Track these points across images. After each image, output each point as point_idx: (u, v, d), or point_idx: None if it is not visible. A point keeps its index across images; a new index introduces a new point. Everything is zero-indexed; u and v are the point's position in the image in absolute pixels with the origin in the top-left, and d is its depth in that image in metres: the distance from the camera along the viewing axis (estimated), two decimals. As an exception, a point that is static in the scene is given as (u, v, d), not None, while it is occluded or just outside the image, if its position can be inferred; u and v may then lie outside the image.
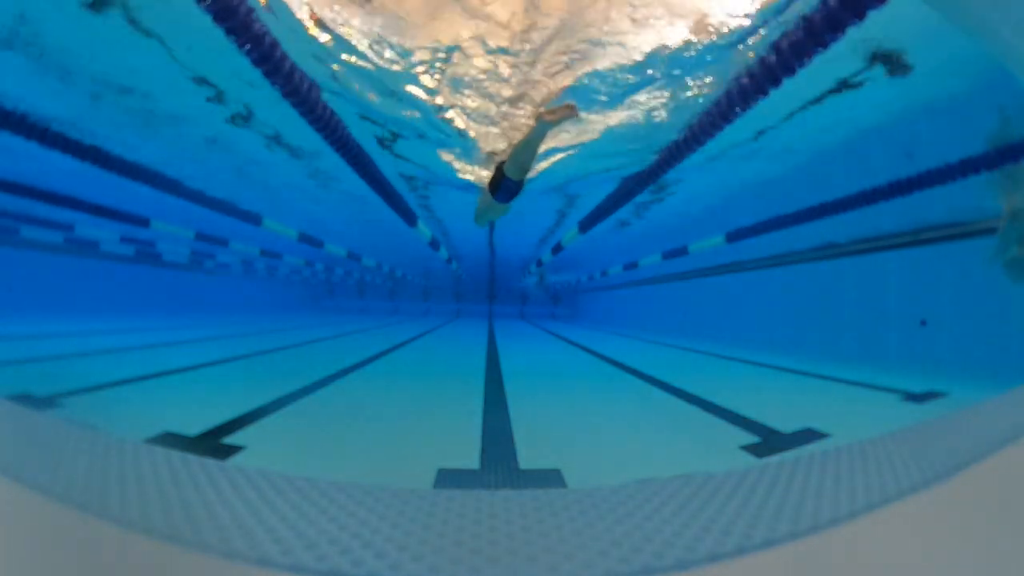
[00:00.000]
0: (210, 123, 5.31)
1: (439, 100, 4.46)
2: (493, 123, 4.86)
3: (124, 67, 4.15)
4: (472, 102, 4.48)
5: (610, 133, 5.04)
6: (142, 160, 6.00)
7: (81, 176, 6.13)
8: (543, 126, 4.13)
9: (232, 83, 4.40)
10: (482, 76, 4.04)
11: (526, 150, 4.48)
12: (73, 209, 7.24)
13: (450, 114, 4.70)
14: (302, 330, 8.73)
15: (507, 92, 4.27)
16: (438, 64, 3.89)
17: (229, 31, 2.66)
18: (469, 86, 4.20)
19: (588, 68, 3.87)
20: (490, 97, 4.37)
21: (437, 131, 5.09)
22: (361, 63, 3.85)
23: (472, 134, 5.12)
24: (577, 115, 4.11)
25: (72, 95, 4.61)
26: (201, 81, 4.37)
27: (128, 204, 7.56)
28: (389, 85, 4.18)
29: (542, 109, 4.40)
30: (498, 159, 5.50)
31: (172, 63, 4.01)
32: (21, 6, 3.38)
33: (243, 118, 5.14)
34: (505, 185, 4.93)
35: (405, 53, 3.73)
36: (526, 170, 4.79)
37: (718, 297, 9.03)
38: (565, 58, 3.75)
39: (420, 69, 3.96)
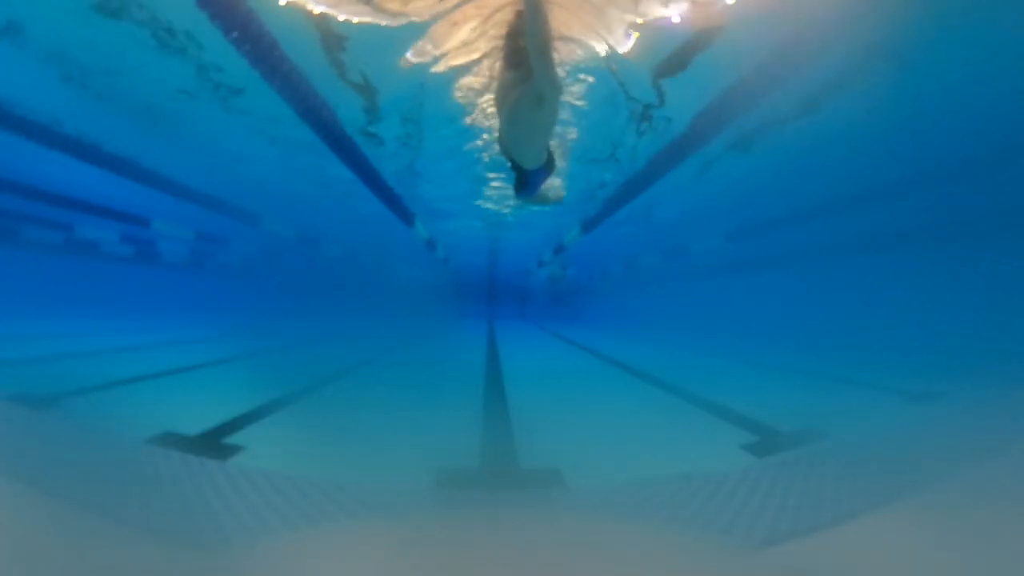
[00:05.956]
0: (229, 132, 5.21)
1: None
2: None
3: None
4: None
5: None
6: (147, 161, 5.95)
7: (80, 175, 6.12)
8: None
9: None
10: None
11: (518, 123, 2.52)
12: (72, 208, 7.23)
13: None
14: (301, 330, 8.73)
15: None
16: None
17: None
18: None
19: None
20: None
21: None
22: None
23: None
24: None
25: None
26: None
27: (128, 204, 7.55)
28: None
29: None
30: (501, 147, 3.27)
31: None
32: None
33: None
34: (521, 179, 2.98)
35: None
36: (539, 151, 2.73)
37: (717, 297, 9.02)
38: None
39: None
